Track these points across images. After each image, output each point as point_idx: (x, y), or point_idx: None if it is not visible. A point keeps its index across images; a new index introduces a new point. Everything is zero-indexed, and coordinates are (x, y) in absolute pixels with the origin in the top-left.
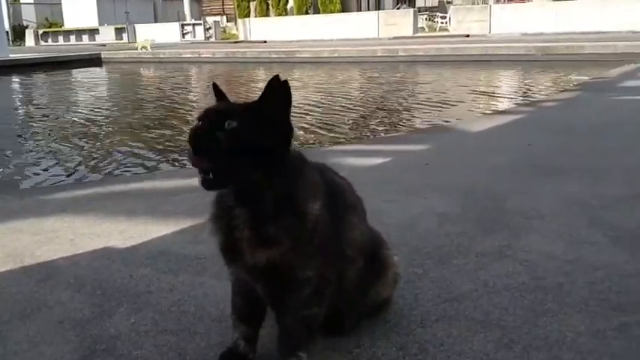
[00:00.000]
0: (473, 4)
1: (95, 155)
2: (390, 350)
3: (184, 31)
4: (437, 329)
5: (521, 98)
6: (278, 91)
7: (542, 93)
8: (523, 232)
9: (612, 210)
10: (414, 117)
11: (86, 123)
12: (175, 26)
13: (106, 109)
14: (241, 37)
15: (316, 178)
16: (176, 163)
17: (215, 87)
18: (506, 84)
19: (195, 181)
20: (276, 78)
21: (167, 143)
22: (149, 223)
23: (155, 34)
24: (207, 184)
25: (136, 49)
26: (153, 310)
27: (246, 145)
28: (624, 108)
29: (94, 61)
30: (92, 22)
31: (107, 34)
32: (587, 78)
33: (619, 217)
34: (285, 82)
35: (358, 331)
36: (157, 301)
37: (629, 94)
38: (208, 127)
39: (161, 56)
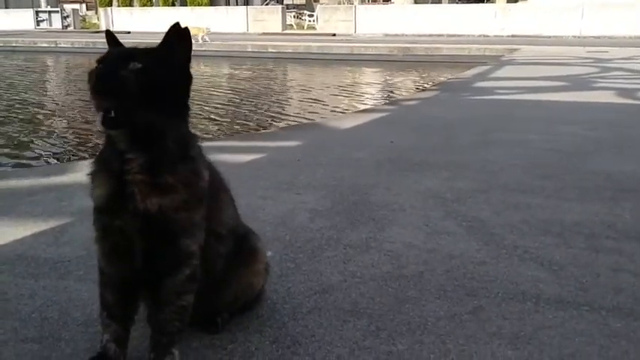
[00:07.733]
0: (339, 3)
1: None
2: (264, 344)
3: (39, 19)
4: (308, 321)
5: (384, 96)
6: (179, 36)
7: (404, 92)
8: (387, 224)
9: (465, 202)
10: (284, 114)
11: None
12: (29, 13)
13: None
14: (103, 27)
15: (203, 153)
16: (32, 162)
17: (109, 34)
18: (371, 83)
19: (51, 180)
20: (177, 24)
21: (20, 138)
22: (4, 225)
23: (5, 21)
24: (108, 123)
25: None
26: (12, 317)
27: (151, 86)
28: (477, 107)
29: None
30: None
31: None
32: (444, 78)
33: (471, 209)
34: (186, 28)
35: (232, 328)
36: (15, 308)
37: (481, 94)
38: (111, 67)
39: (13, 44)
